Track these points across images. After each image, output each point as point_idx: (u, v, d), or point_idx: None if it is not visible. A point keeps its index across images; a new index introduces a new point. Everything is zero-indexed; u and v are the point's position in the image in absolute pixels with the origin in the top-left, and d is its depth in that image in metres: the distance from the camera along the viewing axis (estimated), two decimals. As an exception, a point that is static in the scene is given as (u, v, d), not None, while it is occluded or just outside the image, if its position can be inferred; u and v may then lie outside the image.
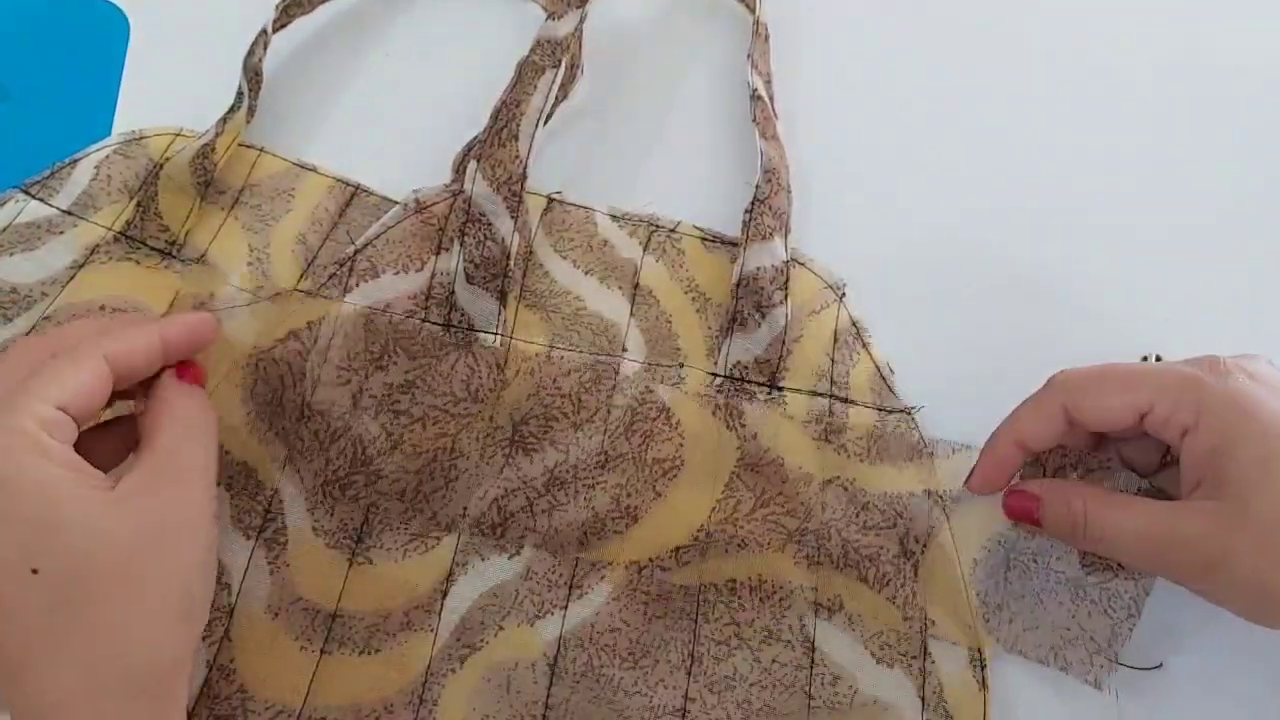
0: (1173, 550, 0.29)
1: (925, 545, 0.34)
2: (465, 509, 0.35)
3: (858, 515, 0.35)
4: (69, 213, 0.39)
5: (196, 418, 0.30)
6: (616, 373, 0.36)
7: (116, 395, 0.30)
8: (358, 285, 0.37)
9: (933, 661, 0.33)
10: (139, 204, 0.39)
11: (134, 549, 0.26)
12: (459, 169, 0.40)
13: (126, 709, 0.26)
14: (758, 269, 0.37)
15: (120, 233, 0.39)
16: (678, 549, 0.35)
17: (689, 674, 0.33)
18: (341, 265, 0.37)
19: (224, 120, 0.39)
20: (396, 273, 0.37)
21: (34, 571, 0.25)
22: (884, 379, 0.37)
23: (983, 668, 0.33)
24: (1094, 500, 0.31)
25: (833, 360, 0.37)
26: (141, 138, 0.41)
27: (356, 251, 0.38)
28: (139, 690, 0.26)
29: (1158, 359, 0.34)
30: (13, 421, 0.26)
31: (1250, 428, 0.28)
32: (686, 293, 0.39)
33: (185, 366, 0.31)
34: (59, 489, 0.26)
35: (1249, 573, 0.28)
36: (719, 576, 0.34)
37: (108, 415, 0.31)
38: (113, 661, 0.26)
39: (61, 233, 0.38)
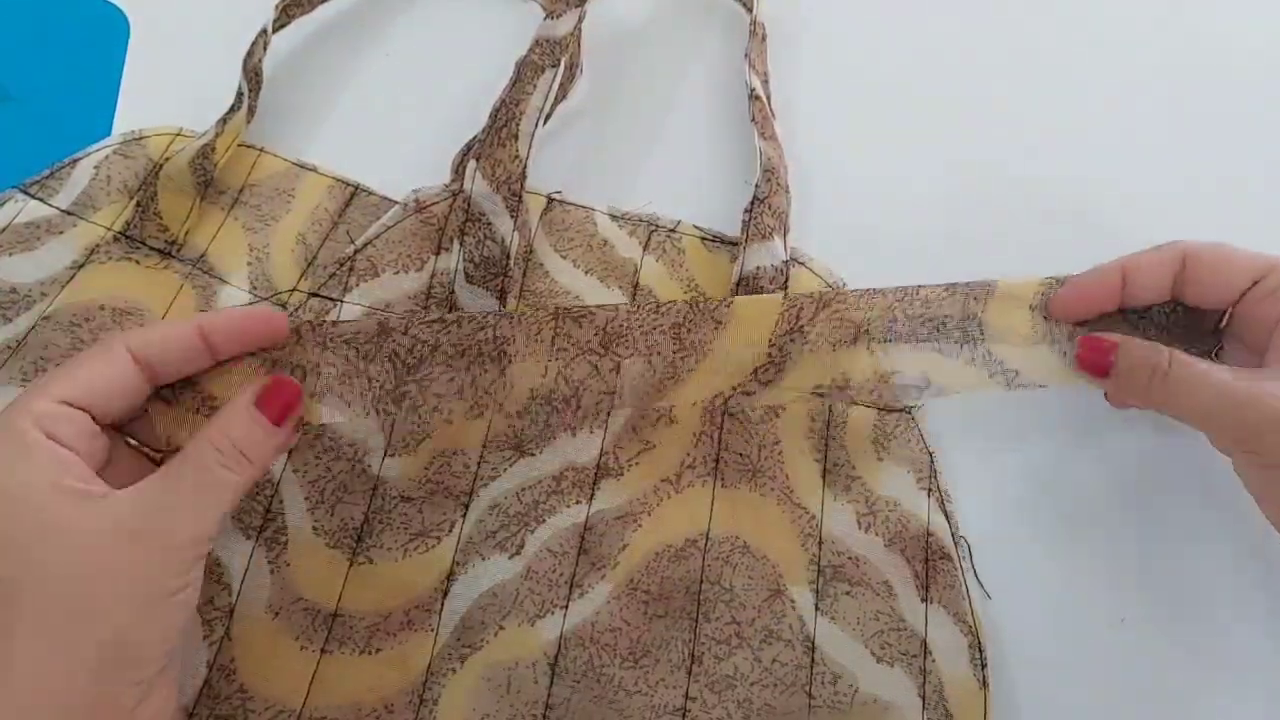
0: (1248, 407, 0.30)
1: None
2: (532, 389, 0.34)
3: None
4: (69, 213, 0.39)
5: (230, 467, 0.27)
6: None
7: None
8: (358, 285, 0.37)
9: (933, 660, 0.33)
10: (138, 204, 0.39)
11: (86, 576, 0.24)
12: (458, 169, 0.40)
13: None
14: (757, 268, 0.37)
15: (120, 233, 0.39)
16: (755, 370, 0.34)
17: (689, 673, 0.33)
18: (341, 265, 0.37)
19: (224, 120, 0.39)
20: (396, 272, 0.38)
21: None
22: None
23: (983, 666, 0.33)
24: (1177, 354, 0.31)
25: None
26: (141, 138, 0.41)
27: (356, 251, 0.38)
28: None
29: None
30: (8, 420, 0.25)
31: None
32: (686, 292, 0.39)
33: (275, 394, 0.29)
34: (30, 496, 0.24)
35: None
36: (803, 385, 0.34)
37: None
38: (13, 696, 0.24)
39: (61, 233, 0.38)
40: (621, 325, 0.34)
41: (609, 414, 0.35)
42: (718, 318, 0.34)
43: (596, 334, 0.34)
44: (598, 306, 0.34)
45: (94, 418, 0.27)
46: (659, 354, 0.34)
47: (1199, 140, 0.44)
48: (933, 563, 0.35)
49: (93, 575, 0.25)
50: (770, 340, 0.34)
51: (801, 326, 0.34)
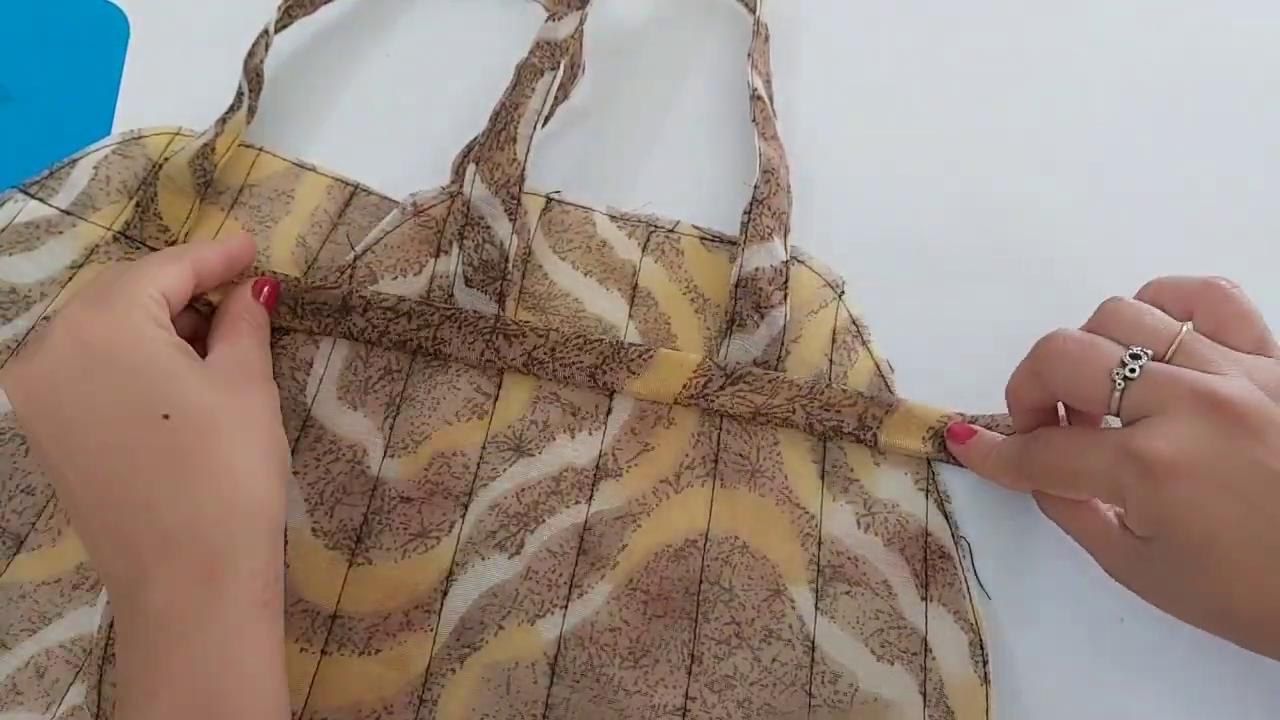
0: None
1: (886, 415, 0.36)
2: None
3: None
4: (68, 213, 0.39)
5: (262, 331, 0.35)
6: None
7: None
8: None
9: (934, 658, 0.33)
10: (138, 204, 0.39)
11: (238, 412, 0.30)
12: (458, 171, 0.40)
13: (251, 536, 0.29)
14: (756, 270, 0.37)
15: (120, 233, 0.39)
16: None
17: (689, 673, 0.33)
18: (342, 272, 0.37)
19: (223, 120, 0.39)
20: (395, 278, 0.38)
21: (165, 417, 0.29)
22: (883, 377, 0.37)
23: (985, 663, 0.33)
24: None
25: (831, 361, 0.37)
26: (140, 137, 0.41)
27: (356, 258, 0.38)
28: (257, 521, 0.29)
29: None
30: (135, 296, 0.30)
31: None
32: (685, 294, 0.39)
33: (261, 283, 0.36)
34: (181, 354, 0.30)
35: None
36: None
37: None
38: (235, 495, 0.29)
39: (61, 233, 0.38)
40: (546, 354, 0.36)
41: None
42: (633, 368, 0.36)
43: (522, 355, 0.36)
44: (531, 328, 0.36)
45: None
46: (572, 385, 0.36)
47: (1200, 143, 0.44)
48: (932, 561, 0.35)
49: (239, 403, 0.31)
50: (675, 398, 0.36)
51: (707, 393, 0.36)
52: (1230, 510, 0.27)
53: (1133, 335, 0.30)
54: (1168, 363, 0.29)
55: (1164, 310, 0.31)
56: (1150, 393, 0.28)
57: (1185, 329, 0.30)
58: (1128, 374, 0.29)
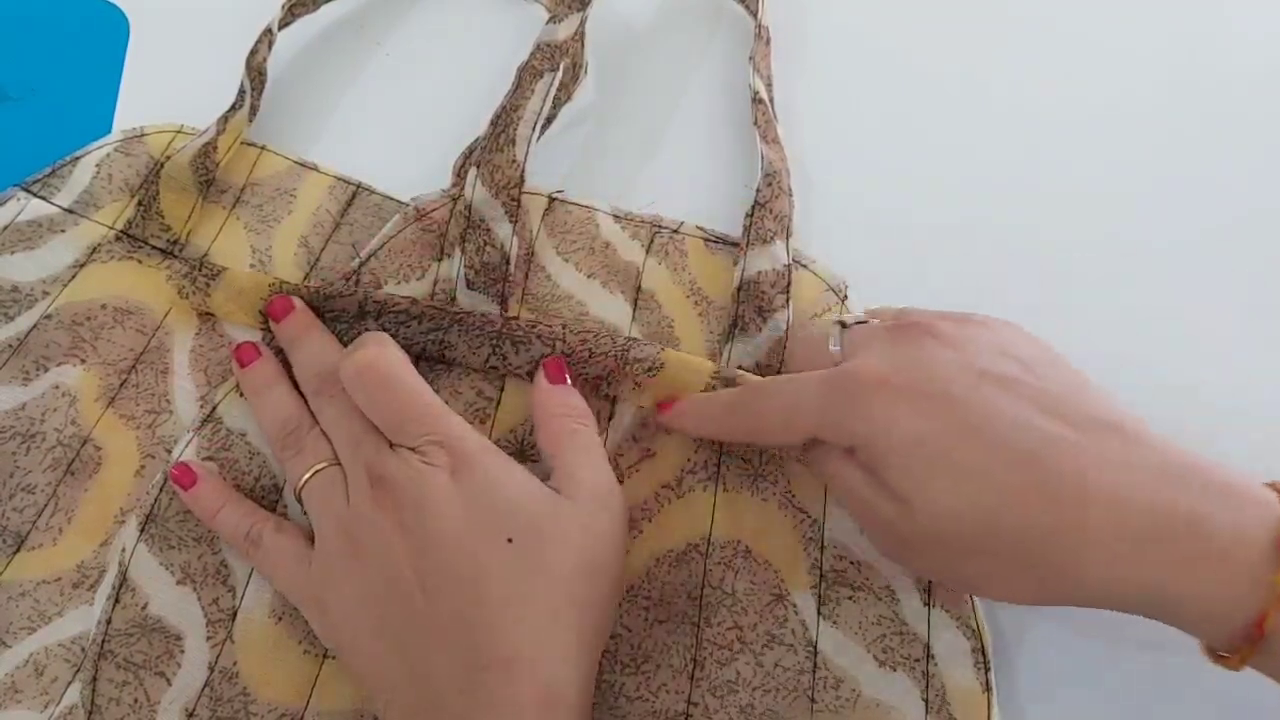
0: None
1: None
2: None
3: None
4: (70, 211, 0.39)
5: (586, 433, 0.34)
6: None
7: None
8: None
9: (936, 665, 0.33)
10: (140, 203, 0.39)
11: (578, 542, 0.31)
12: (459, 173, 0.40)
13: (593, 652, 0.31)
14: (758, 273, 0.37)
15: (122, 231, 0.39)
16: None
17: (691, 679, 0.33)
18: (347, 280, 0.37)
19: (225, 119, 0.39)
20: (399, 283, 0.37)
21: (509, 540, 0.30)
22: (887, 382, 0.37)
23: (986, 670, 0.33)
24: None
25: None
26: (142, 135, 0.41)
27: (361, 264, 0.38)
28: (587, 638, 0.30)
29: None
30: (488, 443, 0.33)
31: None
32: (688, 296, 0.38)
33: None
34: (534, 490, 0.32)
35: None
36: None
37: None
38: (567, 615, 0.30)
39: (63, 231, 0.38)
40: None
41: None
42: (639, 380, 0.35)
43: (528, 364, 0.35)
44: (537, 335, 0.35)
45: None
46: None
47: (1199, 146, 0.44)
48: (934, 567, 0.35)
49: (585, 542, 0.32)
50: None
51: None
52: (930, 405, 0.29)
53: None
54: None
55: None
56: (858, 334, 0.33)
57: None
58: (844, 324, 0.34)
